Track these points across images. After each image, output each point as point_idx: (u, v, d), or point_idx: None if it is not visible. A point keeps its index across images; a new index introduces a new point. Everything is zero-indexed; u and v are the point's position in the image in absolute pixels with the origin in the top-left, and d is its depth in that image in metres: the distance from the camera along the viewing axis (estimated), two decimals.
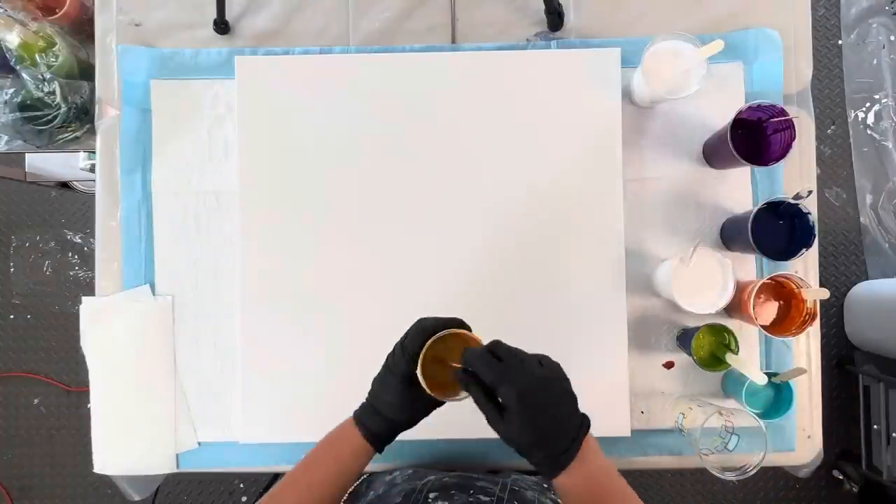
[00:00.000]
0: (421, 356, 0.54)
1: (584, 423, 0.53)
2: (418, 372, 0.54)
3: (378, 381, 0.58)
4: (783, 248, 0.72)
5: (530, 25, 0.84)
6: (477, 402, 0.52)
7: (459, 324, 0.57)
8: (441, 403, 0.57)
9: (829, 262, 1.71)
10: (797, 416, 0.80)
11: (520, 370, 0.51)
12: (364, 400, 0.59)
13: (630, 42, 0.82)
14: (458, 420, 0.80)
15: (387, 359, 0.58)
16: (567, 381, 0.54)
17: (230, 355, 0.81)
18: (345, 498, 0.72)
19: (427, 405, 0.57)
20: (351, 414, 0.60)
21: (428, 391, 0.54)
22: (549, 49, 0.83)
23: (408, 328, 0.58)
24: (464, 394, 0.55)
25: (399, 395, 0.56)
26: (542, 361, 0.53)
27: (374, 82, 0.81)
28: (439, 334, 0.55)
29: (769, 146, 0.75)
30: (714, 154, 0.79)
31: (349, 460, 0.58)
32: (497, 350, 0.53)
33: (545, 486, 0.69)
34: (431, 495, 0.61)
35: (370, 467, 0.78)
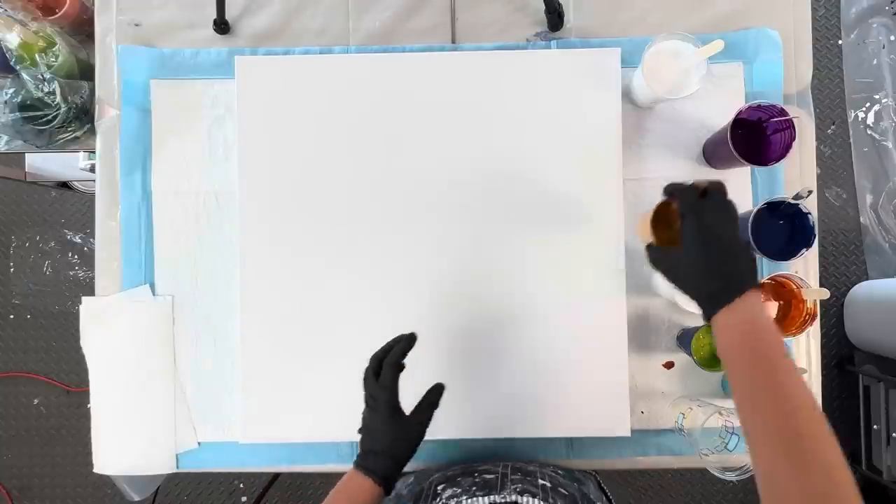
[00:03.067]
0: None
1: (754, 279, 0.54)
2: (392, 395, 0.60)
3: (366, 426, 0.61)
4: (783, 248, 0.72)
5: (530, 25, 0.84)
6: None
7: (412, 339, 0.62)
8: (428, 421, 0.61)
9: (829, 262, 1.71)
10: None
11: (721, 206, 0.55)
12: (358, 451, 0.61)
13: (630, 42, 0.82)
14: (468, 420, 0.80)
15: (366, 401, 0.61)
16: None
17: (230, 355, 0.82)
18: None
19: (420, 429, 0.60)
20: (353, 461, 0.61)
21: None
22: (549, 49, 0.83)
23: (369, 364, 0.62)
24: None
25: (393, 431, 0.58)
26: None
27: (374, 82, 0.81)
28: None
29: (769, 146, 0.75)
30: (714, 154, 0.79)
31: None
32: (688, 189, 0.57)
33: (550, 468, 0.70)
34: (439, 487, 0.63)
35: None
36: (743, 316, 0.51)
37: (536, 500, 0.58)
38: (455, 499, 0.59)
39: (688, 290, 0.55)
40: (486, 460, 0.72)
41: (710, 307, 0.52)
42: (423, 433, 0.60)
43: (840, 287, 1.69)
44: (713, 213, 0.55)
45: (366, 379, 0.61)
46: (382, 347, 0.62)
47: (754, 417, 0.47)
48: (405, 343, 0.61)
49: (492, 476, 0.63)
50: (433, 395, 0.63)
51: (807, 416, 0.45)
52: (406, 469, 0.75)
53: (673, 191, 0.57)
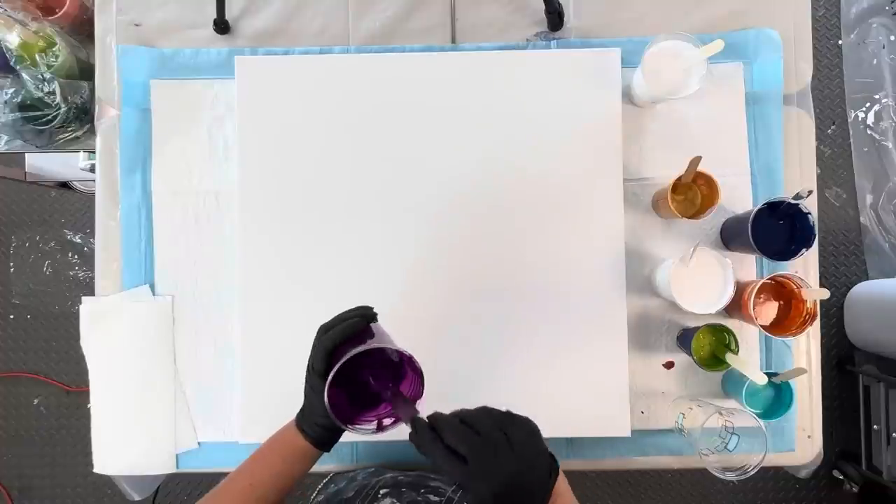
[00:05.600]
0: (326, 388, 0.49)
1: (552, 469, 0.50)
2: (326, 402, 0.50)
3: (306, 393, 0.57)
4: (783, 248, 0.72)
5: (530, 25, 0.84)
6: (436, 456, 0.46)
7: (355, 324, 0.53)
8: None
9: (829, 262, 1.71)
10: (797, 416, 0.80)
11: (496, 462, 0.45)
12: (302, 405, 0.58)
13: (630, 42, 0.82)
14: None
15: (306, 374, 0.56)
16: (540, 438, 0.49)
17: (230, 355, 0.82)
18: (314, 496, 0.73)
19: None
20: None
21: (341, 425, 0.51)
22: (549, 49, 0.83)
23: (314, 340, 0.54)
24: (386, 422, 0.53)
25: (325, 409, 0.53)
26: (513, 436, 0.47)
27: (374, 82, 0.81)
28: (343, 360, 0.49)
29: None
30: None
31: (294, 462, 0.58)
32: (474, 425, 0.47)
33: None
34: (382, 491, 0.62)
35: (335, 467, 0.77)
36: None
37: None
38: None
39: None
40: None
41: None
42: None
43: (840, 287, 1.69)
44: (495, 470, 0.44)
45: (312, 347, 0.55)
46: (332, 320, 0.55)
47: None
48: (346, 328, 0.53)
49: (437, 499, 0.60)
50: None
51: None
52: (369, 473, 0.73)
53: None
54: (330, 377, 0.50)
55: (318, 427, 0.56)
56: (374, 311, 0.57)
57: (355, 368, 0.54)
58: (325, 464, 0.61)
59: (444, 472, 0.46)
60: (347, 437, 0.57)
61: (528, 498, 0.46)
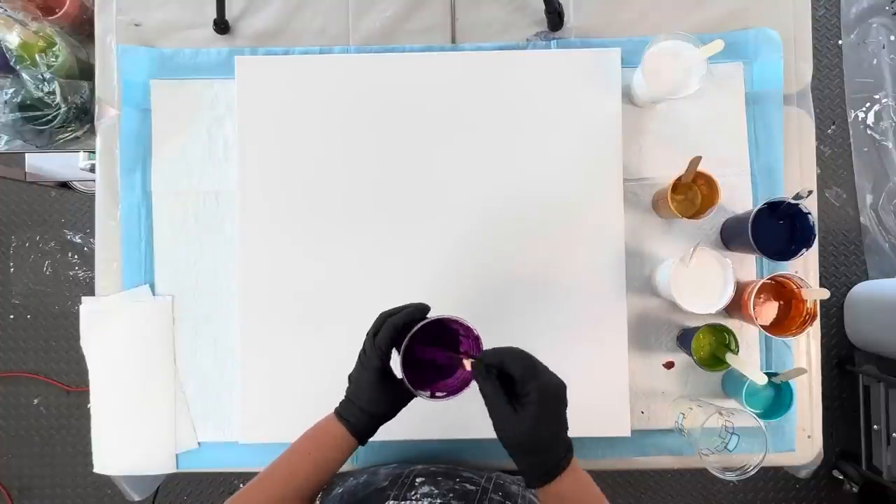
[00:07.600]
0: (401, 357, 0.54)
1: (569, 443, 0.55)
2: (400, 374, 0.54)
3: (354, 378, 0.59)
4: (783, 248, 0.72)
5: (530, 25, 0.84)
6: (489, 392, 0.53)
7: (423, 309, 0.58)
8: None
9: (829, 262, 1.71)
10: (797, 416, 0.80)
11: (547, 372, 0.53)
12: (344, 395, 0.61)
13: (630, 42, 0.82)
14: (443, 421, 0.80)
15: (359, 355, 0.59)
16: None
17: (230, 355, 0.82)
18: (334, 487, 0.73)
19: (405, 396, 0.58)
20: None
21: (413, 391, 0.55)
22: (549, 49, 0.83)
23: (374, 321, 0.58)
24: (439, 394, 0.57)
25: (376, 390, 0.57)
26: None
27: (374, 82, 0.81)
28: (417, 327, 0.55)
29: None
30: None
31: (332, 452, 0.59)
32: (524, 352, 0.55)
33: None
34: (418, 480, 0.62)
35: (353, 467, 0.77)
36: (566, 486, 0.53)
37: None
38: (429, 499, 0.59)
39: (517, 461, 0.53)
40: (472, 468, 0.71)
41: (540, 479, 0.52)
42: (408, 400, 0.59)
43: (840, 287, 1.69)
44: (547, 376, 0.53)
45: (368, 333, 0.59)
46: (394, 308, 0.59)
47: None
48: (413, 311, 0.57)
49: (473, 488, 0.62)
50: None
51: None
52: (392, 468, 0.74)
53: (503, 361, 0.54)
54: (410, 335, 0.54)
55: (361, 413, 0.58)
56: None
57: (411, 348, 0.57)
58: None
59: (511, 364, 0.53)
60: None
61: (561, 418, 0.53)
